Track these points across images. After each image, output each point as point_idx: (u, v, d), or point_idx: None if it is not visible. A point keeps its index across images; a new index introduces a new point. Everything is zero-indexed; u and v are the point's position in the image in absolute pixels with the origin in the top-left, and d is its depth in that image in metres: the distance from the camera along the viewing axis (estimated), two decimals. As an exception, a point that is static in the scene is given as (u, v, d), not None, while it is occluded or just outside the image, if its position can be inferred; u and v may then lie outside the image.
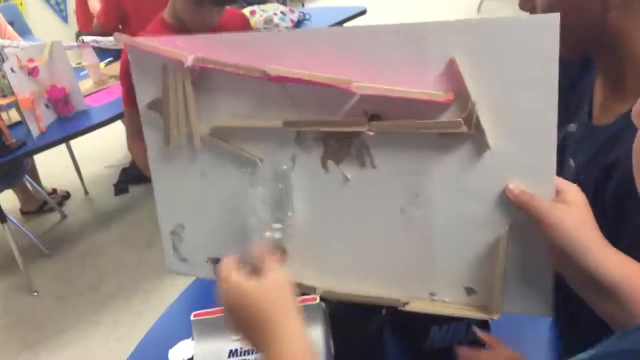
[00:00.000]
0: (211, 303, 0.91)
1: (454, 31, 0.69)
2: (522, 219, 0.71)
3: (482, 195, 0.73)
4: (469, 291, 0.79)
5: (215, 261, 0.92)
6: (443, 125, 0.72)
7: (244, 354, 0.87)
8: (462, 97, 0.70)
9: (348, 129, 0.77)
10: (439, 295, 0.80)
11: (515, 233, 0.73)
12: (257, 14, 3.26)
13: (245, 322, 0.62)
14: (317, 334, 0.86)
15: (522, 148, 0.69)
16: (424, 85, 0.71)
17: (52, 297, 2.78)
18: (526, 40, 0.65)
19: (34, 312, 2.71)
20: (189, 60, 0.80)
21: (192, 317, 0.90)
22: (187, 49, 0.81)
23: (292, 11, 3.41)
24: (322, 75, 0.75)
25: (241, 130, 0.84)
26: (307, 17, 3.45)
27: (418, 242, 0.79)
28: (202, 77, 0.83)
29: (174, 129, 0.86)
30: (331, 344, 0.92)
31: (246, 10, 3.32)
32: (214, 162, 0.87)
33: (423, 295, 0.81)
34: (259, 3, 3.70)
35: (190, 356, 0.96)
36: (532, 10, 0.82)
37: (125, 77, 1.68)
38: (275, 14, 3.25)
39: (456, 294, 0.80)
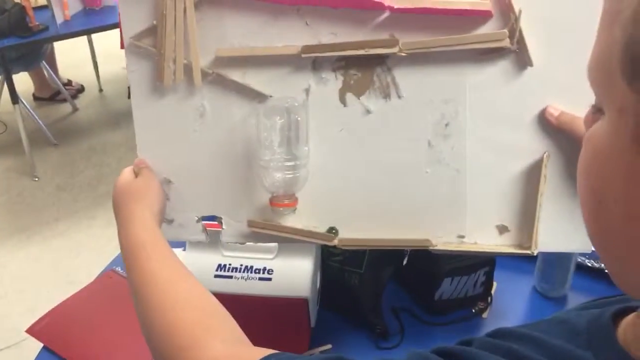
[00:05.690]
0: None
1: None
2: (562, 145, 0.67)
3: (519, 119, 0.69)
4: (502, 229, 0.74)
5: (209, 219, 0.81)
6: (486, 38, 0.66)
7: (231, 270, 0.88)
8: (502, 10, 0.66)
9: (376, 50, 0.69)
10: (468, 237, 0.75)
11: (555, 161, 0.69)
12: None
13: (114, 206, 0.76)
14: (306, 265, 0.86)
15: (565, 64, 0.66)
16: None
17: (53, 186, 2.81)
18: None
19: (33, 197, 2.75)
20: None
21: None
22: None
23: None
24: None
25: (249, 61, 0.74)
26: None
27: (447, 178, 0.73)
28: None
29: (169, 63, 0.74)
30: (318, 278, 0.93)
31: None
32: (216, 99, 0.76)
33: (450, 239, 0.75)
34: None
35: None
36: None
37: None
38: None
39: (487, 235, 0.74)
